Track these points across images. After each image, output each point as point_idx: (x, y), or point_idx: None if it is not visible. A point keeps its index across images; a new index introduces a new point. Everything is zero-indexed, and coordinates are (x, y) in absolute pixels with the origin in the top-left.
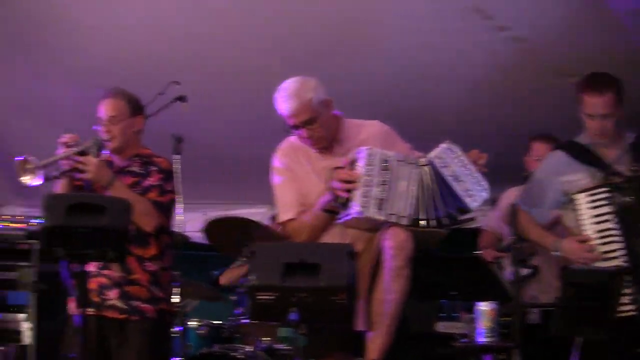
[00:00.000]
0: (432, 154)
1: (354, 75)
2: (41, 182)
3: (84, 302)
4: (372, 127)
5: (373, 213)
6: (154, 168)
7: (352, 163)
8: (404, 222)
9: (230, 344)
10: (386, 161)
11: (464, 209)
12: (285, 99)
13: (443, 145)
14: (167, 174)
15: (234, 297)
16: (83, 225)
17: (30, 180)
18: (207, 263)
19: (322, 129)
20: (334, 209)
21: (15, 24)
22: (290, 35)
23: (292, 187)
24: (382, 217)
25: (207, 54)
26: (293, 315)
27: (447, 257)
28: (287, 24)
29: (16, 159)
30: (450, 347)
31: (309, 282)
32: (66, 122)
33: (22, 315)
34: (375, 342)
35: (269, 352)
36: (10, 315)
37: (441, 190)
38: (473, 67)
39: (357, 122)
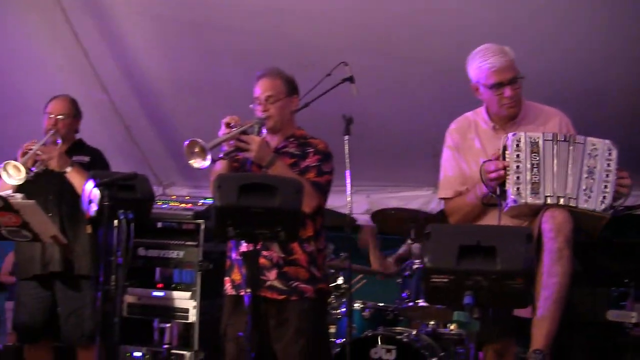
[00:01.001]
0: (590, 138)
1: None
2: (208, 165)
3: (254, 281)
4: (552, 117)
5: (529, 198)
6: (310, 149)
7: (503, 152)
8: (562, 202)
9: (395, 327)
10: (534, 143)
11: None
12: (493, 53)
13: (606, 141)
14: (324, 155)
15: (399, 280)
16: (256, 205)
17: (199, 163)
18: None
19: (520, 93)
20: (493, 201)
21: (188, 6)
22: (465, 20)
23: (455, 164)
24: (539, 201)
25: (377, 36)
26: (468, 299)
27: (622, 243)
28: (462, 9)
29: (184, 143)
30: (625, 336)
31: (485, 266)
32: (230, 102)
33: (186, 294)
34: (541, 328)
35: (433, 336)
36: (176, 294)
37: None
38: None
39: (537, 106)
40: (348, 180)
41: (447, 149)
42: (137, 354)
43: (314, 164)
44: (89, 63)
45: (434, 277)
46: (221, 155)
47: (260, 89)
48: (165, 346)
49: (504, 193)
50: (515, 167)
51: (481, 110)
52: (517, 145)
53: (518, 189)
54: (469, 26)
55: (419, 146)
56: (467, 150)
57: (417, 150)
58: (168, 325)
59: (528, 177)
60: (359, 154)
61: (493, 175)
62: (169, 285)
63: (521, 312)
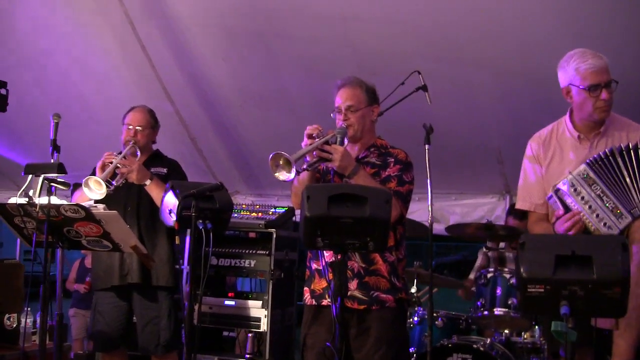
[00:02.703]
0: None
1: None
2: (294, 177)
3: (342, 291)
4: (635, 130)
5: (620, 225)
6: (391, 159)
7: (563, 204)
8: None
9: (468, 335)
10: (587, 177)
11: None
12: (591, 56)
13: None
14: (405, 165)
15: (473, 289)
16: (347, 215)
17: (284, 175)
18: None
19: (613, 98)
20: None
21: (257, 16)
22: (530, 24)
23: (532, 175)
24: (629, 219)
25: (442, 42)
26: (564, 309)
27: None
28: (526, 12)
29: (269, 156)
30: None
31: (581, 275)
32: (296, 111)
33: (258, 303)
34: (626, 339)
35: (507, 344)
36: (247, 302)
37: None
38: None
39: (620, 118)
40: (429, 189)
41: (526, 159)
42: None
43: (395, 174)
44: (155, 74)
45: (530, 287)
46: (305, 166)
47: (341, 99)
48: (248, 356)
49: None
50: (588, 209)
51: (564, 120)
52: (575, 189)
53: (605, 224)
54: (534, 32)
55: (484, 153)
56: (550, 162)
57: (483, 158)
58: (250, 335)
59: (605, 209)
60: (422, 160)
61: (565, 228)
62: (241, 295)
63: (600, 323)
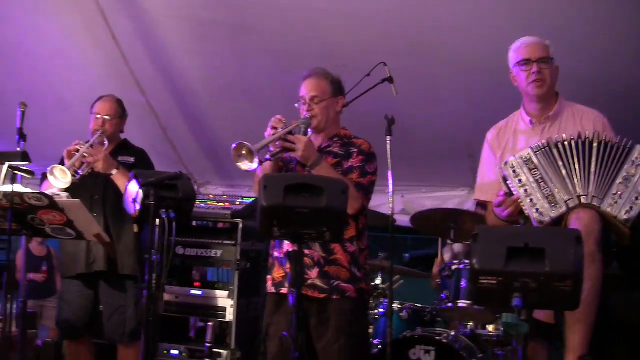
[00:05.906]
0: (638, 146)
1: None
2: (257, 167)
3: (298, 281)
4: (588, 117)
5: (552, 213)
6: (354, 149)
7: (505, 183)
8: (584, 200)
9: (433, 328)
10: (528, 160)
11: None
12: (528, 37)
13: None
14: (368, 156)
15: (438, 281)
16: (303, 205)
17: (247, 165)
18: (405, 245)
19: (550, 76)
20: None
21: (225, 9)
22: (500, 21)
23: (488, 166)
24: (562, 210)
25: (413, 37)
26: (516, 301)
27: None
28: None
29: (232, 146)
30: None
31: (534, 268)
32: (264, 102)
33: (224, 292)
34: (578, 333)
35: (471, 337)
36: (213, 292)
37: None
38: None
39: (575, 105)
40: (390, 181)
41: (484, 150)
42: (175, 351)
43: (358, 165)
44: (127, 65)
45: (482, 278)
46: (268, 156)
47: (306, 89)
48: (207, 345)
49: (527, 218)
50: (524, 192)
51: (520, 110)
52: (514, 171)
53: (537, 210)
54: (505, 28)
55: (454, 147)
56: (503, 152)
57: (453, 151)
58: (210, 324)
59: (539, 195)
60: (394, 153)
61: (507, 213)
62: (207, 284)
63: (540, 316)
